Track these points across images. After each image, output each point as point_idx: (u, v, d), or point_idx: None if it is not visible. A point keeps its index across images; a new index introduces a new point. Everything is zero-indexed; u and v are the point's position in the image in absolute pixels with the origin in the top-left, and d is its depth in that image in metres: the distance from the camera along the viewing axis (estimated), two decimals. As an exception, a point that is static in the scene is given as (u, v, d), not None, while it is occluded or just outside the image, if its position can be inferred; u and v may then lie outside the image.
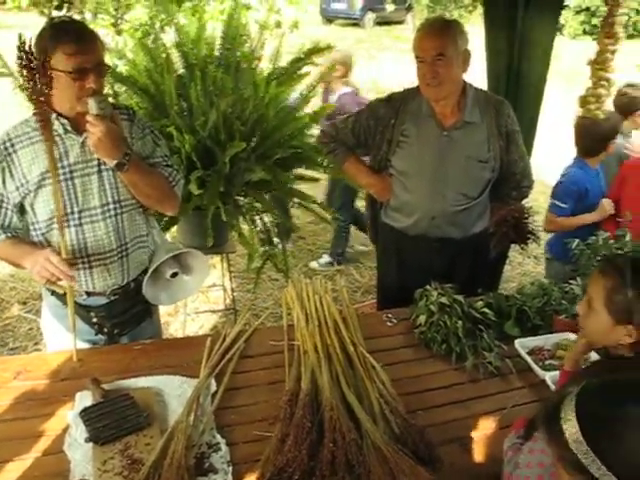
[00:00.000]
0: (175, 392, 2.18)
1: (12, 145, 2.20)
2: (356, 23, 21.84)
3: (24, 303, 4.71)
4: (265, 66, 3.82)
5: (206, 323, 4.61)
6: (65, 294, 2.24)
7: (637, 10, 20.78)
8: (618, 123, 3.58)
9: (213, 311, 4.67)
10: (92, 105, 2.08)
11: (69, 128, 2.21)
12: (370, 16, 21.78)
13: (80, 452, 1.88)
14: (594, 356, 2.19)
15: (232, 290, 4.43)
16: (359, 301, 4.79)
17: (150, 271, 2.39)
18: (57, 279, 2.15)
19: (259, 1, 5.51)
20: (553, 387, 2.21)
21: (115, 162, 2.17)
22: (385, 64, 14.46)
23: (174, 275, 2.51)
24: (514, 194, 3.09)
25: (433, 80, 2.66)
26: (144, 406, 2.04)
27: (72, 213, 2.26)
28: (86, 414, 1.97)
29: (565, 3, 13.13)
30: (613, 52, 3.18)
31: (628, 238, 2.62)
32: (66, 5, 4.83)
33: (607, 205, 3.60)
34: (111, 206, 2.32)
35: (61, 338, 2.46)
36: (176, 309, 4.59)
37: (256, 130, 3.49)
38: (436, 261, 2.99)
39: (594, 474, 1.12)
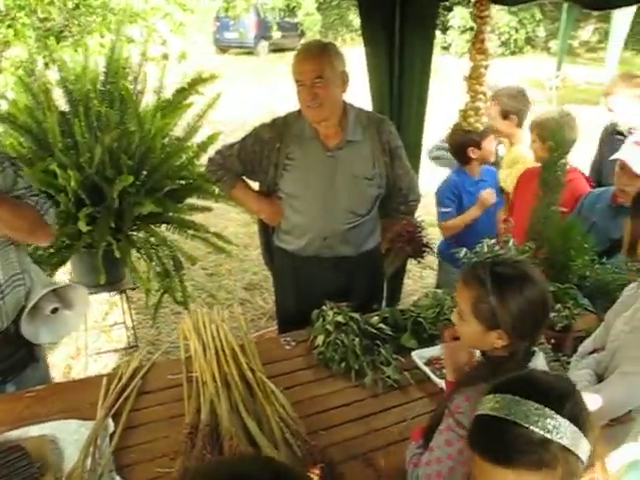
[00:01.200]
0: (71, 437, 2.11)
1: None
2: (250, 51, 21.99)
3: None
4: (151, 98, 3.79)
5: (110, 363, 4.48)
6: None
7: (516, 29, 21.85)
8: (484, 132, 3.72)
9: (116, 350, 4.56)
10: None
11: None
12: (264, 44, 21.96)
13: (-32, 510, 1.80)
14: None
15: (134, 327, 4.34)
16: (264, 327, 4.78)
17: (28, 308, 2.31)
18: None
19: (141, 34, 5.46)
20: None
21: None
22: (279, 90, 14.56)
23: (55, 311, 2.44)
24: (402, 209, 3.15)
25: (313, 102, 2.70)
26: (37, 456, 1.96)
27: None
28: (-27, 470, 1.88)
29: (450, 24, 13.58)
30: (486, 67, 3.32)
31: (511, 244, 2.73)
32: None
33: (486, 195, 3.70)
34: None
35: None
36: (78, 351, 4.45)
37: (144, 163, 3.46)
38: (332, 280, 3.02)
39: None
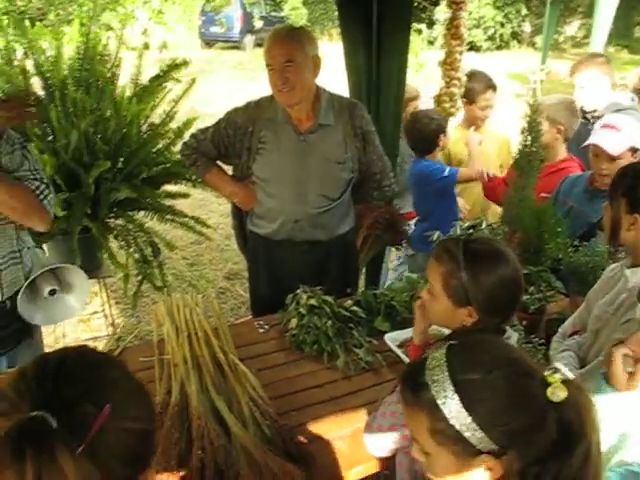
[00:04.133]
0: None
1: None
2: (236, 46, 21.89)
3: None
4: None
5: (89, 352, 4.46)
6: None
7: (502, 23, 21.88)
8: (443, 119, 3.74)
9: (95, 338, 4.54)
10: None
11: None
12: (249, 38, 21.85)
13: None
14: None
15: (112, 316, 4.33)
16: (244, 316, 4.77)
17: (25, 285, 2.32)
18: None
19: (120, 21, 5.41)
20: None
21: None
22: (264, 84, 14.56)
23: (53, 293, 2.44)
24: (375, 194, 3.16)
25: (284, 86, 2.70)
26: None
27: None
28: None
29: (436, 17, 13.61)
30: (460, 52, 3.31)
31: (484, 226, 2.74)
32: None
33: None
34: None
35: None
36: (56, 340, 4.43)
37: (121, 149, 3.45)
38: (305, 265, 3.02)
39: (472, 442, 1.13)
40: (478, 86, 3.98)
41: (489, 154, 4.05)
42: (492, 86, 4.03)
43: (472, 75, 4.03)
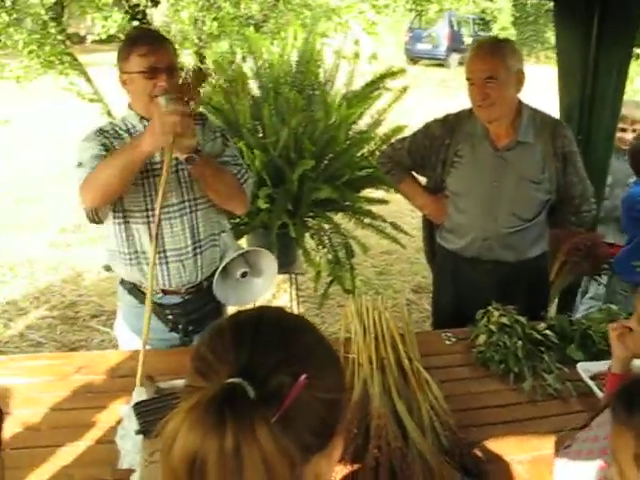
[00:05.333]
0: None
1: (110, 131, 2.35)
2: (440, 63, 21.90)
3: (98, 316, 4.85)
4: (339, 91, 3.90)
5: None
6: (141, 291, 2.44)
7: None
8: None
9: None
10: (162, 102, 2.11)
11: None
12: (454, 57, 21.78)
13: (130, 443, 1.91)
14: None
15: (299, 313, 4.45)
16: (427, 330, 4.73)
17: (220, 267, 2.44)
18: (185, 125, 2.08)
19: (335, 29, 5.58)
20: None
21: (185, 156, 2.23)
22: (466, 103, 14.44)
23: (244, 275, 2.55)
24: (573, 219, 2.98)
25: (484, 102, 2.64)
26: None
27: (152, 209, 2.35)
28: (139, 407, 2.00)
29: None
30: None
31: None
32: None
33: None
34: (187, 203, 2.41)
35: (134, 345, 2.53)
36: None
37: (326, 151, 3.55)
38: (490, 284, 2.91)
39: None
40: None
41: None
42: None
43: None
